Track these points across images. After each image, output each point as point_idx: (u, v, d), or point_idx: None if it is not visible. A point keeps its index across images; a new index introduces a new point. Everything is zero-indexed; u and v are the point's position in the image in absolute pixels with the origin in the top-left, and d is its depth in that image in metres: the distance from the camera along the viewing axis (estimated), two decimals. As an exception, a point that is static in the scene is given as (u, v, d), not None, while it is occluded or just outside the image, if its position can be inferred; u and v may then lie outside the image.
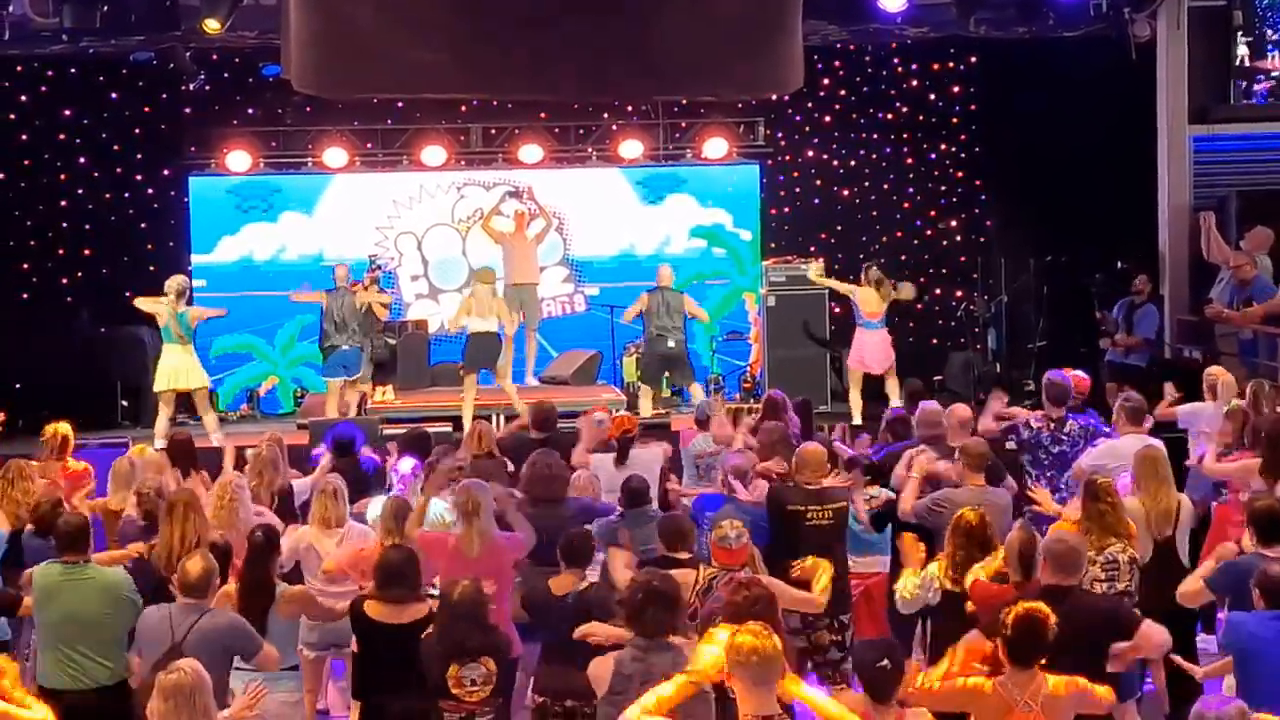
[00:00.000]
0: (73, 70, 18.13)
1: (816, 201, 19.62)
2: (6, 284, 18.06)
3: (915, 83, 19.34)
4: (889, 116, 19.42)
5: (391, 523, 8.73)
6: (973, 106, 19.41)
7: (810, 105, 19.22)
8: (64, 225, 18.51)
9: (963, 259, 19.19)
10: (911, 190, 19.52)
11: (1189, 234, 16.13)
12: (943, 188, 19.54)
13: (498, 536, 8.63)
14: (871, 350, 15.50)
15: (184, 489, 9.46)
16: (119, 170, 18.65)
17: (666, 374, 16.46)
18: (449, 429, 15.24)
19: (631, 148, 19.09)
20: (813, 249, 18.53)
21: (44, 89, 18.18)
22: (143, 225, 18.76)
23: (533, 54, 10.52)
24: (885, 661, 6.15)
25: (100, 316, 18.05)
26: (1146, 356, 15.47)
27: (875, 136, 19.49)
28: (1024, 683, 6.33)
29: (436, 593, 7.96)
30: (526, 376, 17.14)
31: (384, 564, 7.97)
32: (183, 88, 17.76)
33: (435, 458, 10.50)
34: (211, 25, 14.98)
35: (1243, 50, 16.38)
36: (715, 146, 19.22)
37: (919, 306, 17.91)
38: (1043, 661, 6.38)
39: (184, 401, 15.21)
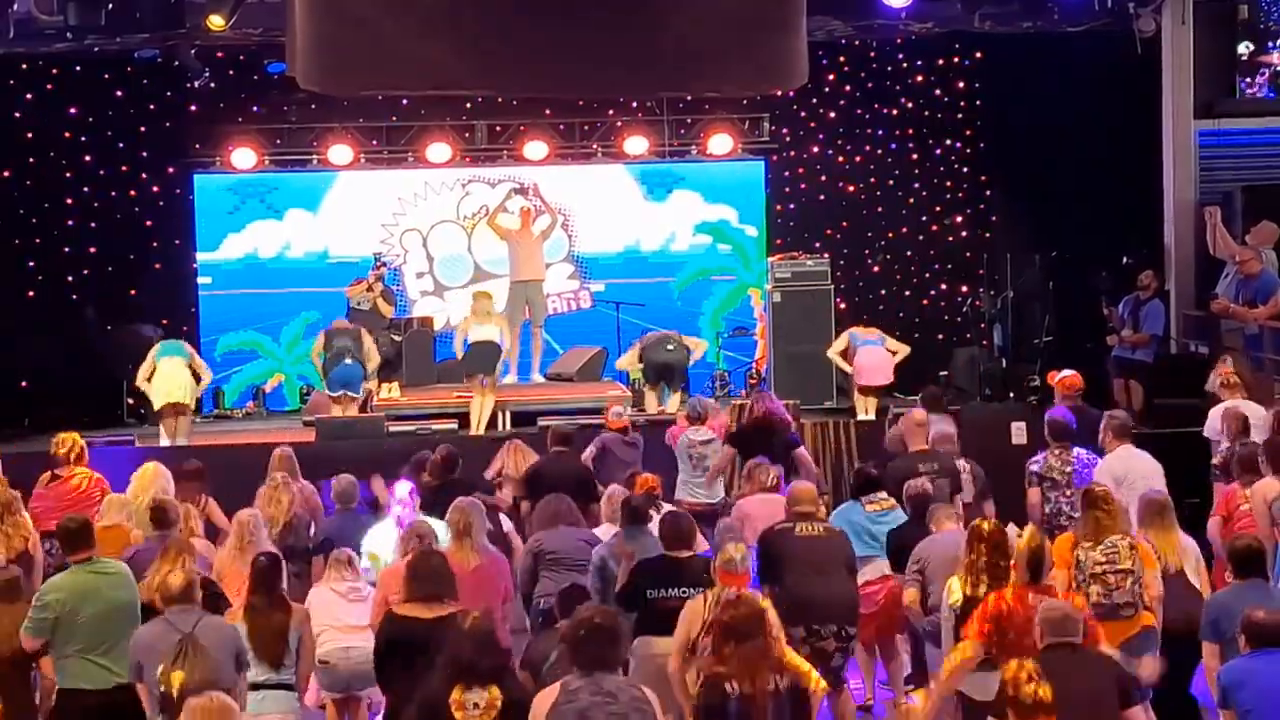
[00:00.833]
0: (77, 68, 18.08)
1: (822, 197, 19.57)
2: (11, 282, 18.03)
3: (920, 78, 19.28)
4: (894, 112, 19.38)
5: (416, 543, 8.78)
6: (978, 102, 19.35)
7: (815, 101, 19.16)
8: (69, 223, 18.47)
9: (968, 255, 19.14)
10: (917, 186, 19.47)
11: (1195, 229, 16.11)
12: (948, 183, 19.49)
13: (492, 553, 8.90)
14: (869, 371, 15.47)
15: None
16: (124, 168, 18.61)
17: (663, 381, 16.46)
18: (454, 426, 15.30)
19: (637, 144, 19.07)
20: (817, 245, 18.53)
21: (49, 87, 18.13)
22: (148, 223, 18.74)
23: (537, 50, 10.49)
24: None
25: (105, 314, 18.06)
26: (1153, 352, 15.43)
27: (880, 132, 19.45)
28: None
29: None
30: (532, 373, 17.18)
31: (416, 564, 7.93)
32: (187, 85, 17.76)
33: (432, 476, 11.01)
34: (216, 22, 14.98)
35: (1248, 45, 16.37)
36: (720, 143, 19.19)
37: (924, 302, 17.82)
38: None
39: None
